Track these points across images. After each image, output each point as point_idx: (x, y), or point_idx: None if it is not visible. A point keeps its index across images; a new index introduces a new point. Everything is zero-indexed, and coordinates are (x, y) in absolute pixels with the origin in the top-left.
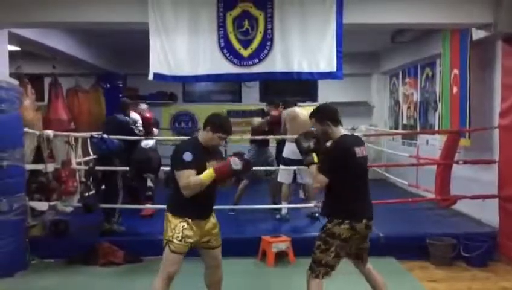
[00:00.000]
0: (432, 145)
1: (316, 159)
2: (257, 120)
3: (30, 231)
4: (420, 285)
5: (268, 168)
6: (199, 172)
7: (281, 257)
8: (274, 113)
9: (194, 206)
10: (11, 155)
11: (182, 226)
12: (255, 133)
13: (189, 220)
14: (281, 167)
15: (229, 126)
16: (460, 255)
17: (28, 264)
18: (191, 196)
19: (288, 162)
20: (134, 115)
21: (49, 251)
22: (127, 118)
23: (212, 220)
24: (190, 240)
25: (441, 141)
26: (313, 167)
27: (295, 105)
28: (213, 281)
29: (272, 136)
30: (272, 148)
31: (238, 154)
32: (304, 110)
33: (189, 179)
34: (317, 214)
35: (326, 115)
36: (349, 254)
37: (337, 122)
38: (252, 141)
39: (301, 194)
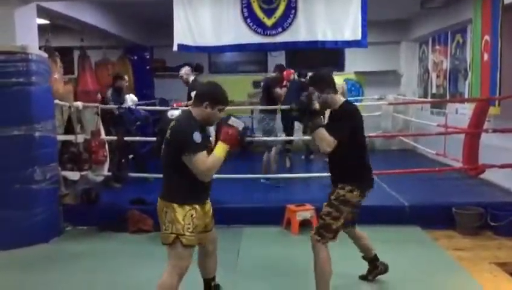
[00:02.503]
0: (462, 114)
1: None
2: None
3: (63, 199)
4: (446, 254)
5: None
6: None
7: (305, 225)
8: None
9: (201, 188)
10: (43, 126)
11: (191, 215)
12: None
13: (197, 207)
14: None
15: (226, 95)
16: (488, 225)
17: (62, 231)
18: (197, 179)
19: None
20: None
21: (82, 218)
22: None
23: (209, 200)
24: (199, 229)
25: (471, 110)
26: (322, 130)
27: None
28: (213, 266)
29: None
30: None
31: (228, 119)
32: None
33: (207, 162)
34: None
35: (328, 82)
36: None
37: (336, 89)
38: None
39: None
